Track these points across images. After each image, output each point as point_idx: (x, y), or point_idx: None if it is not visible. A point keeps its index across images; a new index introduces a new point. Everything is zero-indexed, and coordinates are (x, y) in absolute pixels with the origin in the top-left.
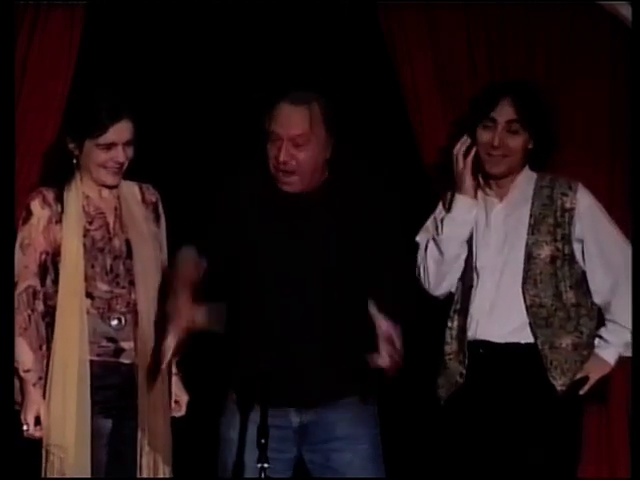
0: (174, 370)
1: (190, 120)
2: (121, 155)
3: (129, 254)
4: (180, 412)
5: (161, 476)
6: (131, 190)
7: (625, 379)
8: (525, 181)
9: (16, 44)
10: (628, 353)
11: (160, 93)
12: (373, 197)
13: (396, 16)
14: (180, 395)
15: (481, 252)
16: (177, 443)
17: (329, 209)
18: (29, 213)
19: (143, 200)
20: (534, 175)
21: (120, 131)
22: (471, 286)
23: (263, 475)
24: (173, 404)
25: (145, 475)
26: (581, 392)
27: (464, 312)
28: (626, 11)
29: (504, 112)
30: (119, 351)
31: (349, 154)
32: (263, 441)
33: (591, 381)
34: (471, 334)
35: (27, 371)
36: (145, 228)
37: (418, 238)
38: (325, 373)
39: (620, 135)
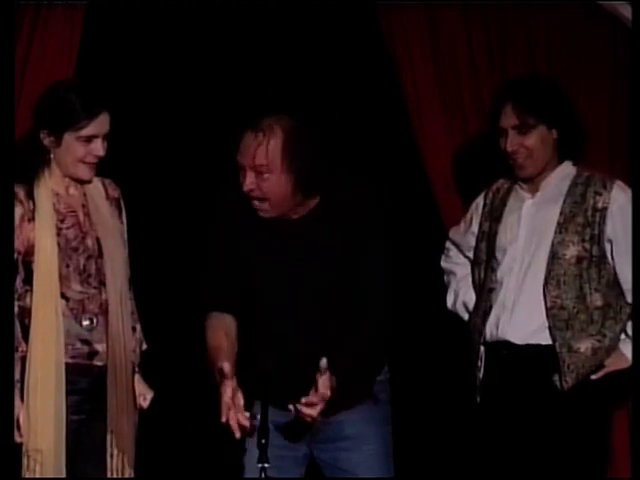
0: (135, 369)
1: (180, 118)
2: (100, 148)
3: (100, 253)
4: (146, 404)
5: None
6: (95, 186)
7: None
8: (561, 177)
9: (16, 44)
10: None
11: (159, 92)
12: (364, 218)
13: (396, 16)
14: (145, 392)
15: (510, 250)
16: (179, 441)
17: (322, 231)
18: None
19: (107, 196)
20: (573, 171)
21: (101, 124)
22: (492, 288)
23: (263, 475)
24: (141, 401)
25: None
26: (593, 377)
27: (482, 314)
28: (626, 11)
29: (507, 119)
30: (93, 354)
31: (340, 170)
32: (264, 441)
33: (606, 369)
34: (493, 335)
35: None
36: (112, 225)
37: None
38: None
39: (620, 135)
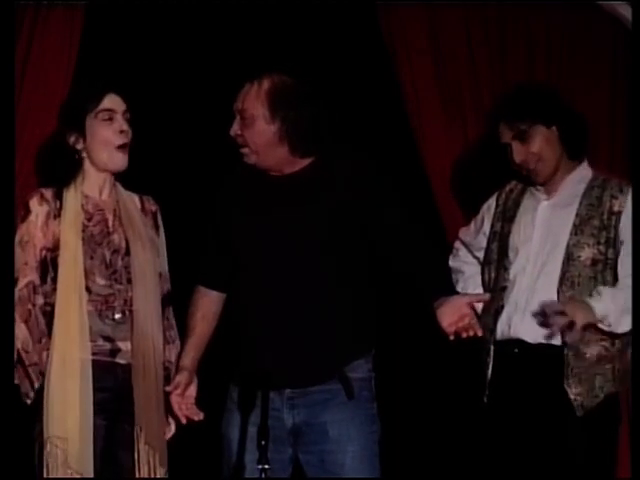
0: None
1: (188, 122)
2: (124, 124)
3: (127, 251)
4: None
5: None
6: (131, 198)
7: None
8: (577, 180)
9: (16, 44)
10: (605, 324)
11: (160, 93)
12: (362, 175)
13: (396, 16)
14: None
15: (523, 249)
16: (178, 442)
17: (314, 190)
18: (27, 211)
19: (143, 209)
20: (589, 174)
21: (114, 100)
22: (504, 287)
23: (263, 476)
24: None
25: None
26: (568, 339)
27: (494, 313)
28: (626, 11)
29: (505, 135)
30: (115, 351)
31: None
32: (264, 442)
33: (577, 327)
34: (504, 333)
35: (27, 352)
36: (143, 231)
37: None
38: (311, 354)
39: (620, 135)
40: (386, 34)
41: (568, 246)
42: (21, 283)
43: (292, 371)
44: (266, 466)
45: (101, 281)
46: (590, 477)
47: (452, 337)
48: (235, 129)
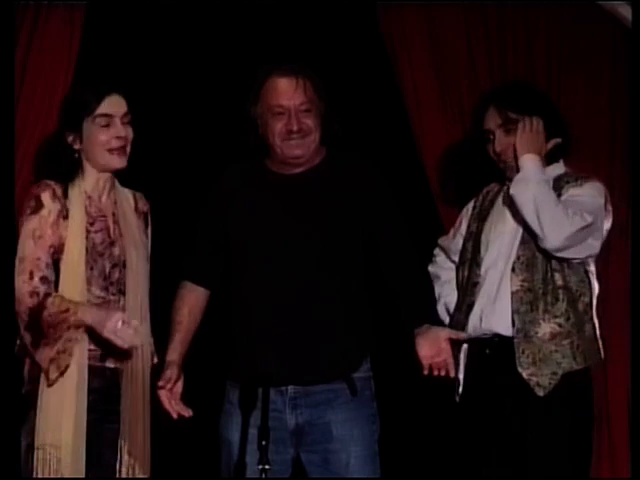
0: None
1: (188, 122)
2: (121, 129)
3: (124, 263)
4: None
5: None
6: (126, 197)
7: (625, 379)
8: (551, 177)
9: (16, 44)
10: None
11: (160, 93)
12: (369, 178)
13: (396, 16)
14: None
15: (495, 245)
16: (176, 443)
17: (320, 192)
18: (40, 204)
19: (136, 209)
20: (561, 171)
21: (114, 103)
22: (476, 283)
23: (264, 476)
24: None
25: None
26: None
27: (466, 309)
28: (625, 11)
29: (491, 120)
30: (105, 355)
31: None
32: (264, 443)
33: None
34: (476, 329)
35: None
36: (137, 237)
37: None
38: (317, 352)
39: (620, 135)
40: (386, 34)
41: (524, 231)
42: (36, 278)
43: (296, 370)
44: (267, 466)
45: (96, 291)
46: (567, 458)
47: (426, 372)
48: (298, 123)
